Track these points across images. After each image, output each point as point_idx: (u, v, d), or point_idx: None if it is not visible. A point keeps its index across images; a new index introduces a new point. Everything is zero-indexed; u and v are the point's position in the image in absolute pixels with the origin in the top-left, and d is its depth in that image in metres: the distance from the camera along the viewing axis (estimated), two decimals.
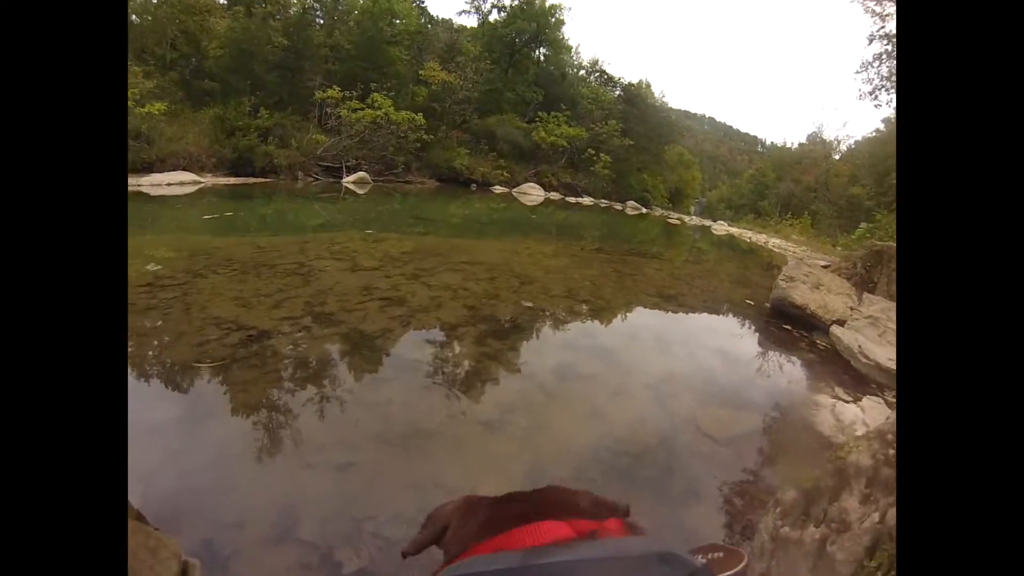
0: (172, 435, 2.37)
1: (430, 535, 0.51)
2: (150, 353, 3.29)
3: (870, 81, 13.45)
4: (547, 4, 31.13)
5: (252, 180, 18.49)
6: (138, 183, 15.99)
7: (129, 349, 3.37)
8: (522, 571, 0.32)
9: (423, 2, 32.46)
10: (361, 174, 20.99)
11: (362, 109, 21.88)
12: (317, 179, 20.37)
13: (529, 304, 4.86)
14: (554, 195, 22.22)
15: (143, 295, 4.48)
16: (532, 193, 23.66)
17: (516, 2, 31.23)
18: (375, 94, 22.62)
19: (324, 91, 22.48)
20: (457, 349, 3.64)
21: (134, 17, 23.56)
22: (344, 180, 20.18)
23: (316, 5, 27.99)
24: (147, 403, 2.66)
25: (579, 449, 2.50)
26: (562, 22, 31.81)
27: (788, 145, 40.59)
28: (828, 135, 30.93)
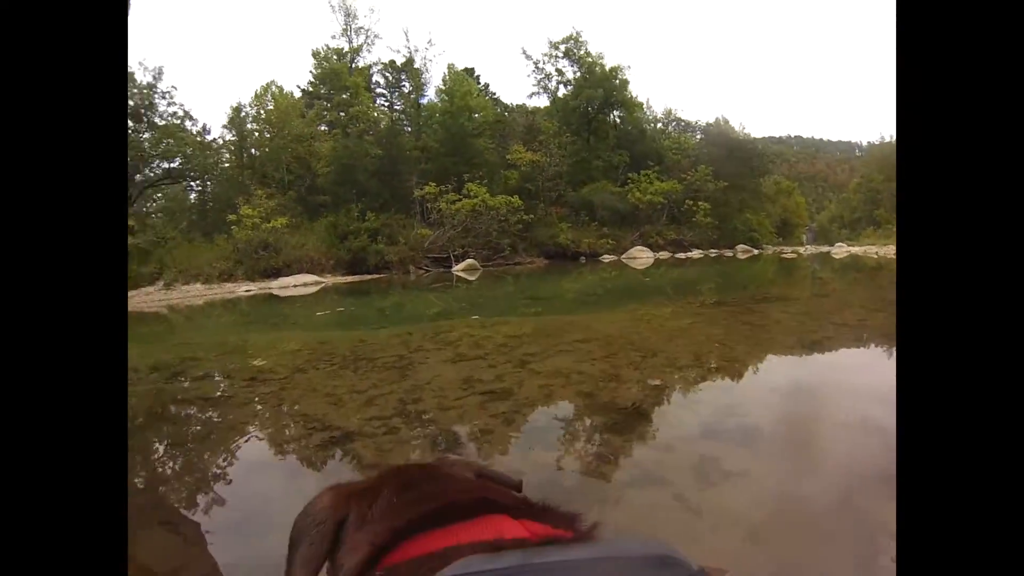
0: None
1: (321, 541, 0.44)
2: (228, 453, 3.18)
3: None
4: (607, 68, 31.93)
5: (368, 277, 20.12)
6: (269, 286, 18.05)
7: (220, 446, 3.36)
8: (521, 571, 0.31)
9: (495, 94, 35.28)
10: (469, 261, 21.99)
11: (459, 200, 23.50)
12: (427, 270, 21.74)
13: (656, 382, 4.06)
14: (663, 254, 21.32)
15: (244, 389, 4.61)
16: (641, 256, 22.93)
17: (578, 74, 32.35)
18: (469, 184, 24.29)
19: (422, 188, 24.75)
20: (567, 450, 2.97)
21: (254, 150, 28.54)
22: (454, 269, 21.25)
23: (402, 116, 31.74)
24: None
25: None
26: (626, 82, 32.91)
27: (888, 139, 36.39)
28: None
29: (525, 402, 3.70)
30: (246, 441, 3.50)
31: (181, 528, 2.39)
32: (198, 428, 4.05)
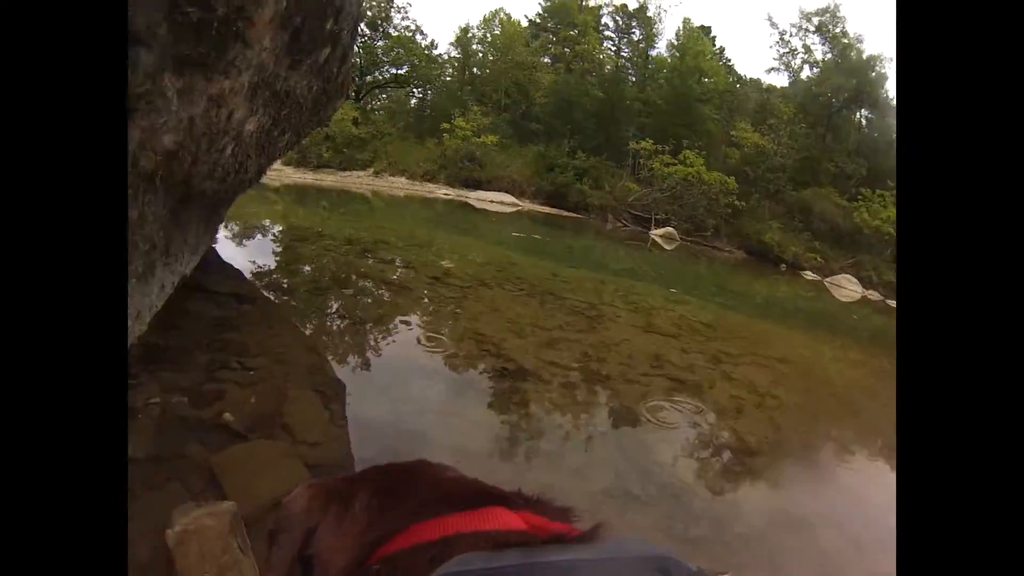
0: None
1: (292, 547, 0.43)
2: (390, 336, 3.22)
3: None
4: (864, 55, 25.98)
5: (564, 213, 20.43)
6: (466, 196, 19.33)
7: (386, 330, 3.44)
8: (522, 570, 0.31)
9: (729, 60, 31.49)
10: (669, 229, 20.94)
11: (674, 164, 22.26)
12: (625, 225, 21.31)
13: (857, 454, 3.41)
14: (873, 294, 17.84)
15: (426, 286, 4.72)
16: (847, 287, 19.32)
17: (830, 55, 26.93)
18: (686, 151, 22.72)
19: (637, 142, 23.75)
20: (748, 494, 2.59)
21: (476, 70, 29.68)
22: (652, 232, 20.47)
23: (628, 64, 30.19)
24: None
25: None
26: (884, 77, 26.36)
27: None
28: None
29: (714, 406, 3.36)
30: (409, 330, 3.61)
31: (330, 403, 2.51)
32: (369, 301, 4.32)
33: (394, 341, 3.47)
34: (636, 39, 32.26)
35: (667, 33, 31.02)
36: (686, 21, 30.63)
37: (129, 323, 2.50)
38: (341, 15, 3.25)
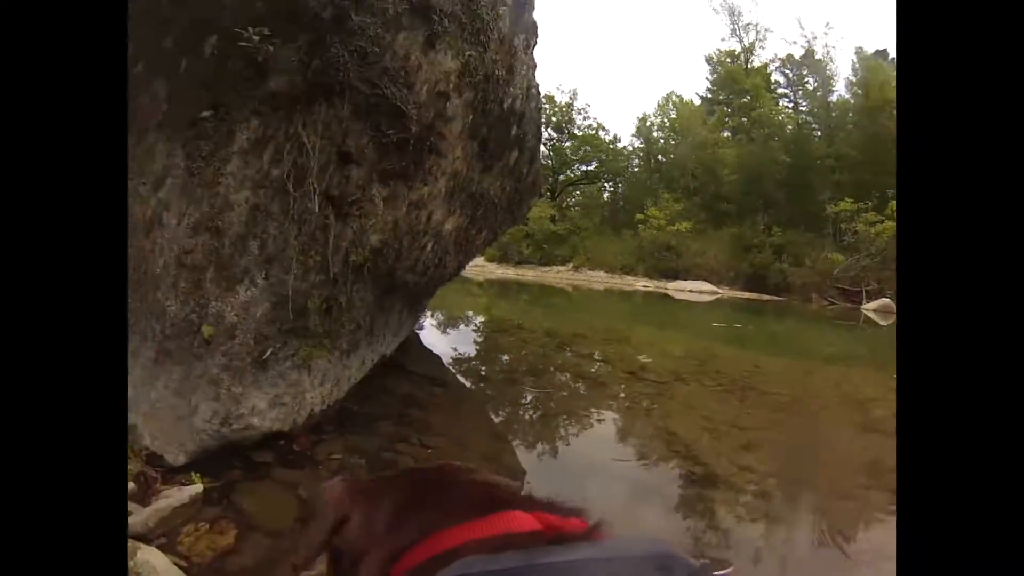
0: None
1: (322, 533, 0.45)
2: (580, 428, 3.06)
3: None
4: None
5: (764, 297, 18.76)
6: (665, 286, 18.87)
7: (576, 423, 3.32)
8: (524, 571, 0.31)
9: None
10: (884, 301, 17.18)
11: (880, 221, 18.46)
12: (833, 303, 18.46)
13: None
14: None
15: (622, 381, 4.61)
16: None
17: None
18: (893, 201, 18.48)
19: (835, 204, 20.58)
20: None
21: (660, 156, 29.87)
22: (863, 307, 17.15)
23: (809, 119, 26.79)
24: None
25: None
26: None
27: None
28: None
29: None
30: (599, 424, 3.46)
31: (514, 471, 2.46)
32: (564, 394, 4.30)
33: (582, 435, 3.40)
34: (812, 87, 29.20)
35: (842, 71, 26.87)
36: (859, 51, 27.41)
37: (327, 388, 2.88)
38: (524, 120, 3.60)
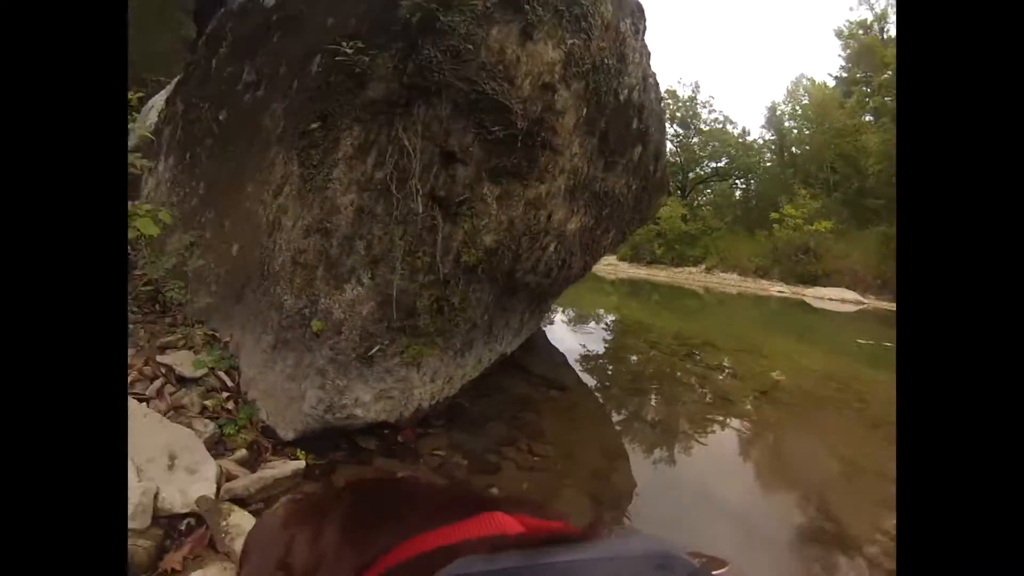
0: None
1: (263, 562, 0.44)
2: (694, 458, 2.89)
3: None
4: None
5: None
6: (802, 292, 16.88)
7: (691, 449, 3.14)
8: (523, 571, 0.31)
9: None
10: None
11: None
12: None
13: None
14: None
15: (750, 401, 4.21)
16: None
17: None
18: None
19: None
20: None
21: (795, 148, 26.91)
22: None
23: None
24: None
25: None
26: None
27: None
28: None
29: None
30: (718, 449, 3.24)
31: (603, 513, 2.31)
32: (687, 407, 3.98)
33: (696, 461, 3.11)
34: None
35: None
36: None
37: (438, 385, 2.91)
38: (644, 113, 3.36)
